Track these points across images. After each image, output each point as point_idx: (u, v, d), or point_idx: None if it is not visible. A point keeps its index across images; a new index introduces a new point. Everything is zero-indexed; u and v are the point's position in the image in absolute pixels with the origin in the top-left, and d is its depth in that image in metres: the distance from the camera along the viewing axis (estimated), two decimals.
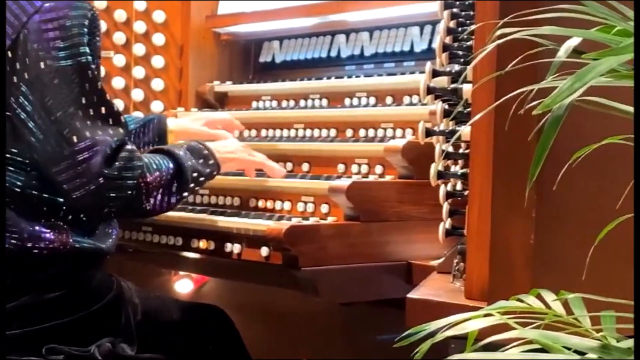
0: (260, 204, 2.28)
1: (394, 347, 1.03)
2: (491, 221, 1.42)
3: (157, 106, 2.97)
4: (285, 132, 2.63)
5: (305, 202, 2.18)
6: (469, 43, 1.68)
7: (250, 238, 2.10)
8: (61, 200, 1.91)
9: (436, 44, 1.70)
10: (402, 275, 2.07)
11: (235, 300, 2.83)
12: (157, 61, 2.99)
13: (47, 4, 1.85)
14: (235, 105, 2.98)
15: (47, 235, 1.89)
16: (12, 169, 1.89)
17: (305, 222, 2.01)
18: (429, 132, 1.71)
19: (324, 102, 2.67)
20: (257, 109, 2.86)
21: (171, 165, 1.96)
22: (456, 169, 1.73)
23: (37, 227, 1.88)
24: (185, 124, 2.47)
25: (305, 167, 2.40)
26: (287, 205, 2.22)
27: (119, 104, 2.87)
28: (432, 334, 0.94)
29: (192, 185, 2.01)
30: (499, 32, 0.97)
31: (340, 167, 2.31)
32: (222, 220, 2.19)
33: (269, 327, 2.91)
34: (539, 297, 1.01)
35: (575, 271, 1.10)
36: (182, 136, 2.40)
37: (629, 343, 0.90)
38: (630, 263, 0.88)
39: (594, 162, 1.01)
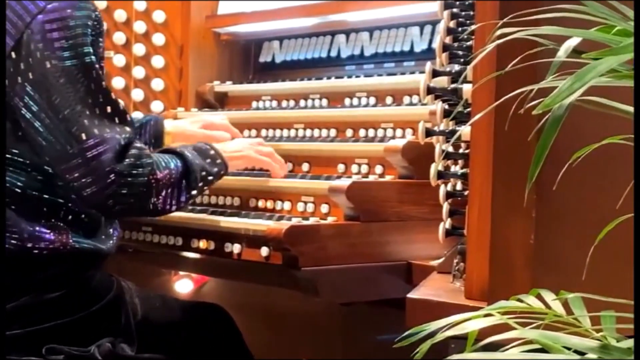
0: (260, 204, 2.28)
1: (394, 347, 1.03)
2: (491, 221, 1.42)
3: (157, 106, 2.97)
4: (285, 132, 2.62)
5: (305, 202, 2.18)
6: (469, 43, 1.68)
7: (250, 238, 2.10)
8: (61, 200, 1.91)
9: (436, 44, 1.70)
10: (402, 275, 2.07)
11: (235, 300, 2.82)
12: (157, 61, 2.98)
13: (50, 5, 1.85)
14: (235, 105, 2.98)
15: (48, 235, 1.89)
16: (12, 169, 1.89)
17: (305, 222, 2.01)
18: (429, 132, 1.71)
19: (324, 102, 2.67)
20: (257, 109, 2.86)
21: (180, 164, 1.96)
22: (456, 169, 1.73)
23: (37, 228, 1.88)
24: (183, 125, 2.46)
25: (305, 167, 2.40)
26: (287, 205, 2.22)
27: None
28: (432, 334, 0.94)
29: (201, 184, 2.01)
30: (499, 32, 0.97)
31: (340, 167, 2.31)
32: (222, 220, 2.19)
33: (269, 327, 2.91)
34: (539, 297, 1.01)
35: (575, 271, 1.10)
36: (179, 138, 2.39)
37: (629, 343, 0.90)
38: (630, 263, 0.88)
39: (594, 162, 1.01)
